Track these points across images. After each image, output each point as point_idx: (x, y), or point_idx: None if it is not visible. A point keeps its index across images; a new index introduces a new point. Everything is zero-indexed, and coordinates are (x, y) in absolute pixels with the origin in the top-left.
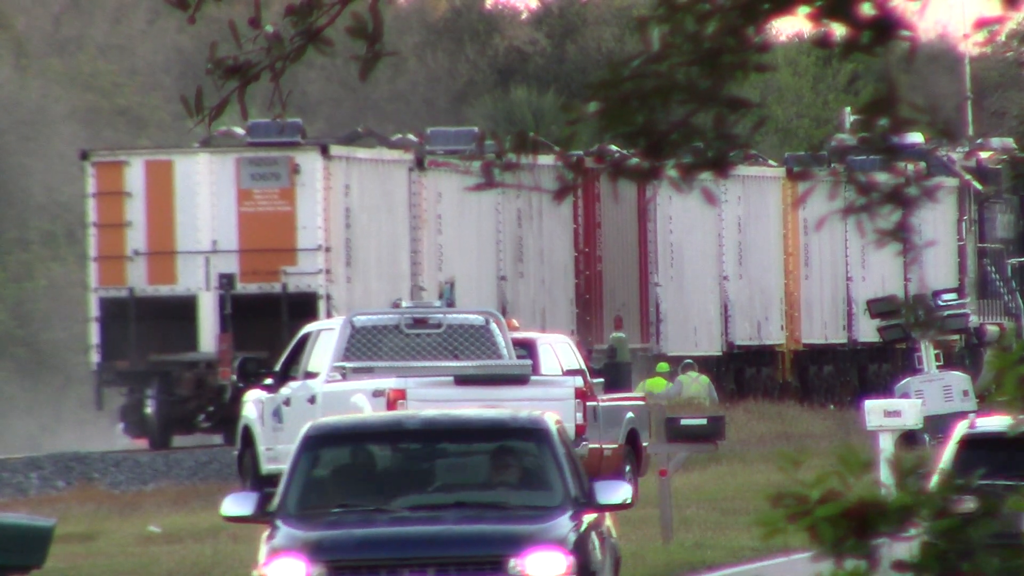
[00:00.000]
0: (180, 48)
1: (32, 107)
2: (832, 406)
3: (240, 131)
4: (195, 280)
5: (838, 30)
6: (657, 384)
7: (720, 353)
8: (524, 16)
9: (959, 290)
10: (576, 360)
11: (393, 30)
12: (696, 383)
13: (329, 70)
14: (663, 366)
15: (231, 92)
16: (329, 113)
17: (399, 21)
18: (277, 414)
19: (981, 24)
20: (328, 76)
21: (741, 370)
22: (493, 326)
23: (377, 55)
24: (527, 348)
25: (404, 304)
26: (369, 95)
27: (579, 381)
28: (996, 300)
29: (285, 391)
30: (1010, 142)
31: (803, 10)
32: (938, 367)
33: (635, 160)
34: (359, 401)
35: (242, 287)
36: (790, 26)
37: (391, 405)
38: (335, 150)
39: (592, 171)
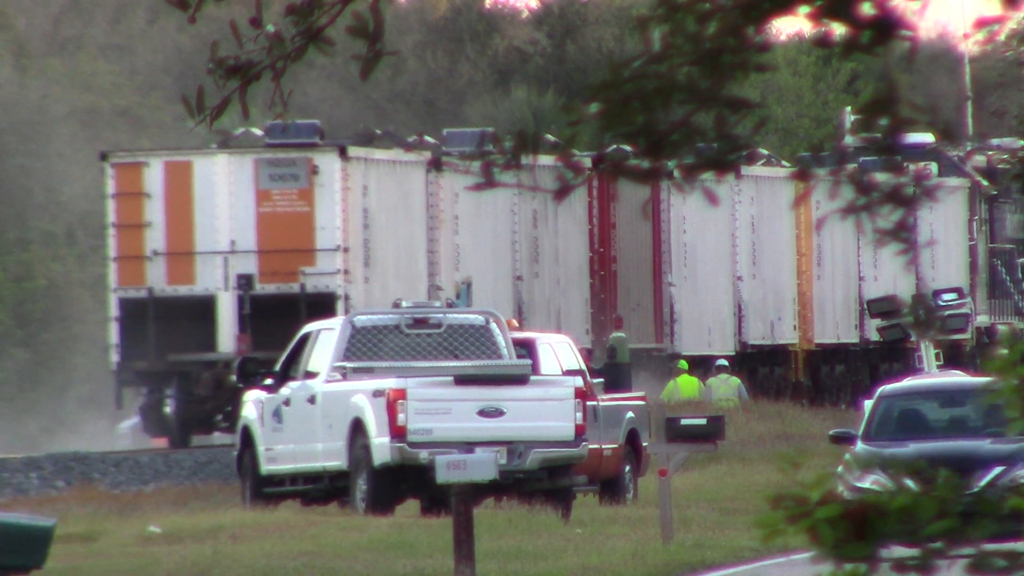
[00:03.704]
0: (180, 48)
1: (32, 107)
2: (843, 406)
3: (258, 132)
4: (214, 280)
5: (838, 30)
6: (689, 383)
7: (733, 353)
8: (524, 16)
9: (960, 290)
10: (576, 360)
11: (393, 30)
12: (726, 384)
13: (329, 70)
14: (684, 364)
15: (232, 92)
16: (329, 113)
17: (399, 21)
18: (277, 414)
19: (981, 24)
20: (328, 76)
21: (754, 370)
22: (493, 326)
23: (378, 55)
24: (527, 348)
25: (404, 304)
26: (369, 95)
27: (579, 381)
28: (1007, 300)
29: (285, 391)
30: (1017, 142)
31: (803, 10)
32: (939, 367)
33: (636, 160)
34: (359, 401)
35: (260, 287)
36: (790, 26)
37: (391, 405)
38: (353, 151)
39: (599, 172)
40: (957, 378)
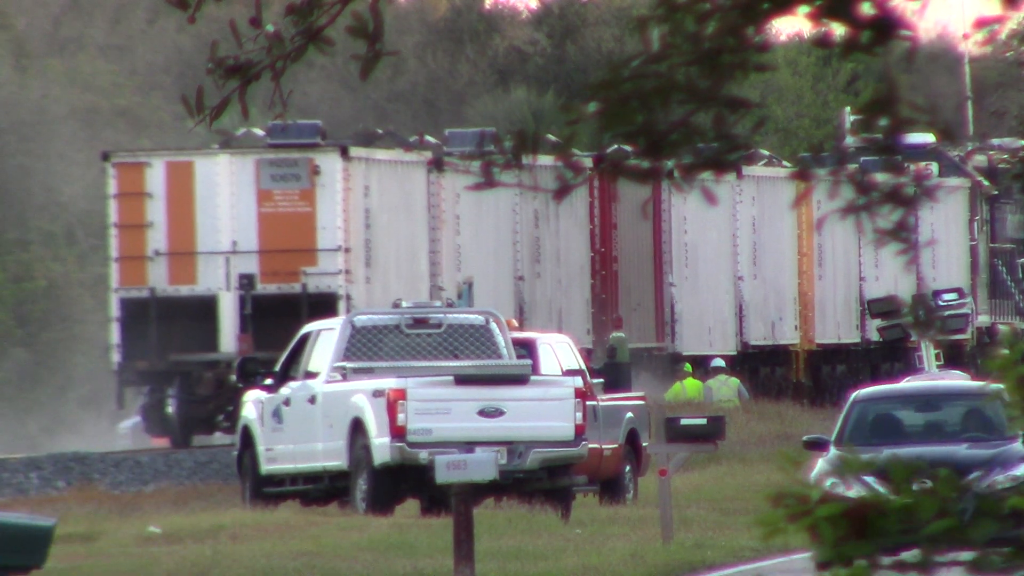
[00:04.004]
0: (180, 48)
1: (32, 107)
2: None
3: (260, 132)
4: (215, 280)
5: (838, 30)
6: (695, 386)
7: (735, 353)
8: (524, 16)
9: (960, 290)
10: (576, 360)
11: (393, 30)
12: (726, 386)
13: (329, 70)
14: (689, 367)
15: (232, 92)
16: (329, 113)
17: (399, 21)
18: (277, 414)
19: (981, 24)
20: (328, 76)
21: (755, 370)
22: (493, 326)
23: (377, 55)
24: (527, 348)
25: (404, 304)
26: (369, 95)
27: (579, 381)
28: (1007, 300)
29: (285, 391)
30: (1017, 142)
31: (803, 10)
32: (939, 367)
33: (636, 160)
34: (359, 401)
35: (262, 287)
36: (790, 26)
37: (391, 405)
38: (354, 151)
39: (599, 172)
40: (933, 382)
